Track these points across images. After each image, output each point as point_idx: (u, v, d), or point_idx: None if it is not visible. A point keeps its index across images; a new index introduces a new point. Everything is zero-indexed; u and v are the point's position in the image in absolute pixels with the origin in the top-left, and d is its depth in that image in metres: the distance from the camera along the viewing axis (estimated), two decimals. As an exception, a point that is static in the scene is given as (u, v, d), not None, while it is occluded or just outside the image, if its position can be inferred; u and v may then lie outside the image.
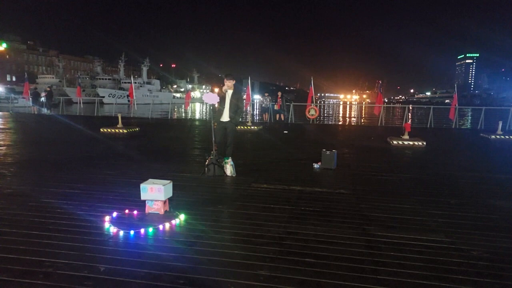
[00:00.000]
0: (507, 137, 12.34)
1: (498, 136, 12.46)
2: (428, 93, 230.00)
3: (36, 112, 22.05)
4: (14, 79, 78.89)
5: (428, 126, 17.61)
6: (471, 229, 3.70)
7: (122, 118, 13.42)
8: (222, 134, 6.27)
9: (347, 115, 40.35)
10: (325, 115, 38.62)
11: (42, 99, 21.90)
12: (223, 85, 6.14)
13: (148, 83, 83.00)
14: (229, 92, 6.16)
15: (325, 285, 2.56)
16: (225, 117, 6.23)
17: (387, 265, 2.87)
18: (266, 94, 19.51)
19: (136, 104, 22.36)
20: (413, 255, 3.07)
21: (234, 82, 6.19)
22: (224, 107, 6.20)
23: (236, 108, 6.23)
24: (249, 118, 16.61)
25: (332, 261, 2.92)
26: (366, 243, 3.31)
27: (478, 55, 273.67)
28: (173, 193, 4.18)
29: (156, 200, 3.96)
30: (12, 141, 9.90)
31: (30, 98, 22.05)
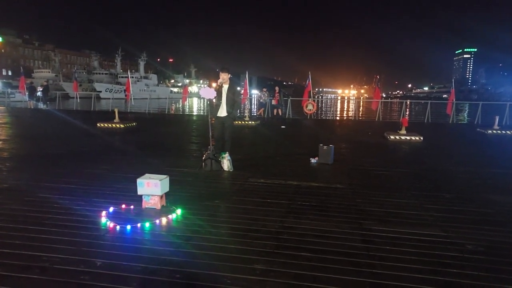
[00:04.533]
0: (503, 132, 12.39)
1: (494, 131, 12.51)
2: (426, 88, 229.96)
3: (32, 107, 21.91)
4: (10, 73, 78.25)
5: (426, 121, 17.65)
6: (466, 223, 3.73)
7: (119, 112, 13.37)
8: (220, 129, 6.26)
9: (345, 110, 40.33)
10: (323, 110, 38.59)
11: (38, 93, 21.74)
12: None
13: (145, 77, 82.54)
14: (225, 87, 6.15)
15: (321, 279, 2.58)
16: (223, 112, 6.22)
17: (382, 259, 2.89)
18: (264, 90, 19.41)
19: (133, 98, 22.24)
20: (409, 249, 3.08)
21: (229, 75, 6.17)
22: (221, 102, 6.18)
23: (233, 102, 6.22)
24: (246, 113, 16.57)
25: (328, 255, 2.93)
26: (362, 237, 3.33)
27: (476, 50, 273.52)
28: (170, 188, 4.18)
29: (152, 195, 3.96)
30: (8, 136, 9.85)
31: (27, 93, 21.89)
